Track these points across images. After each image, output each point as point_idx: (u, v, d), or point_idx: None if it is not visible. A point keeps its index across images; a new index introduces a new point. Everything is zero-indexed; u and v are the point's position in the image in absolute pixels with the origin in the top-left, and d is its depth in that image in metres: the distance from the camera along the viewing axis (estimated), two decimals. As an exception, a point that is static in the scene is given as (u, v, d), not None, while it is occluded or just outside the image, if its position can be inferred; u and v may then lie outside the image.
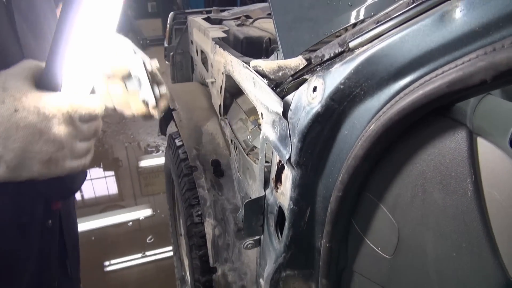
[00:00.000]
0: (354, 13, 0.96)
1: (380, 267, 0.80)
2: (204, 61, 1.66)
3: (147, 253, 2.80)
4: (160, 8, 6.44)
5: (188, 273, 2.12)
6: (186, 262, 2.17)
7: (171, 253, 2.71)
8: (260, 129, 1.24)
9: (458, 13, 0.48)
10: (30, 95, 0.58)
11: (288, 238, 0.94)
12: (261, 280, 1.15)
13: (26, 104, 0.57)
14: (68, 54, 0.62)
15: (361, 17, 0.93)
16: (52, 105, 0.59)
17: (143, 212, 3.19)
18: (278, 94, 0.85)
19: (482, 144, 0.55)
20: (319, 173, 0.83)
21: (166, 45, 2.33)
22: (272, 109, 0.86)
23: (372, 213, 0.78)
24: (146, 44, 6.06)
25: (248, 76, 1.01)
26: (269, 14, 1.91)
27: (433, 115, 0.60)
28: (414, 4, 0.56)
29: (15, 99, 0.57)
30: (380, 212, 0.75)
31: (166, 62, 2.40)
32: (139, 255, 2.77)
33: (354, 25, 0.89)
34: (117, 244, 2.84)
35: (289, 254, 0.97)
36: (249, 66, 0.99)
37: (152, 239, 2.87)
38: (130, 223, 3.06)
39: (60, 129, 0.60)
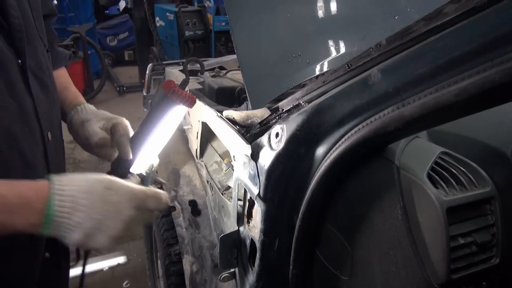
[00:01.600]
0: (311, 69, 1.14)
1: (340, 288, 0.92)
2: (182, 109, 1.81)
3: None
4: (137, 56, 6.64)
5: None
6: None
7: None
8: (233, 170, 1.37)
9: (376, 78, 0.64)
10: (120, 182, 0.74)
11: (260, 268, 1.04)
12: (236, 311, 1.23)
13: (115, 186, 0.72)
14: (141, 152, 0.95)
15: (317, 72, 1.10)
16: (132, 192, 0.74)
17: (118, 259, 3.17)
18: (247, 139, 0.98)
19: (405, 177, 0.70)
20: (284, 206, 0.95)
21: (145, 93, 2.47)
22: (243, 152, 0.99)
23: (331, 241, 0.90)
24: (122, 91, 6.19)
25: (222, 124, 1.14)
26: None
27: (370, 155, 0.74)
28: (348, 70, 0.72)
29: (110, 180, 0.72)
30: (337, 239, 0.87)
31: (145, 109, 2.53)
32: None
33: (311, 79, 1.05)
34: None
35: (261, 283, 1.07)
36: (222, 115, 1.13)
37: (129, 284, 2.85)
38: (106, 268, 3.04)
39: (131, 212, 0.72)
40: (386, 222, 0.72)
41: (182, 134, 1.98)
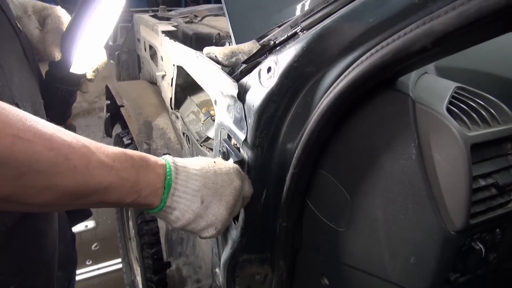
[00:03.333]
0: (302, 5, 1.01)
1: (334, 241, 0.84)
2: (153, 56, 1.64)
3: (94, 262, 2.67)
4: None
5: (138, 277, 2.06)
6: (135, 265, 2.10)
7: (119, 260, 2.60)
8: (213, 120, 1.25)
9: (400, -13, 0.53)
10: (223, 161, 0.79)
11: (244, 222, 0.95)
12: (217, 270, 1.15)
13: (221, 161, 0.77)
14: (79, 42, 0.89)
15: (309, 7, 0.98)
16: (237, 167, 0.79)
17: (86, 223, 3.03)
18: (233, 77, 0.86)
19: (422, 111, 0.60)
20: (274, 153, 0.85)
21: (110, 43, 2.26)
22: (227, 93, 0.88)
23: (325, 189, 0.82)
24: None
25: (201, 63, 1.01)
26: (220, 13, 1.93)
27: (379, 88, 0.65)
28: (360, -18, 0.60)
29: (214, 158, 0.77)
30: (334, 187, 0.79)
31: (111, 61, 2.33)
32: (85, 265, 2.63)
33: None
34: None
35: (245, 238, 0.99)
36: (202, 53, 1.00)
37: (98, 247, 2.74)
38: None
39: (240, 183, 0.76)
40: (396, 164, 0.64)
41: (153, 86, 1.82)
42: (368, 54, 0.59)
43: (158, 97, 1.68)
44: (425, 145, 0.60)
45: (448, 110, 0.60)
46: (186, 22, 1.77)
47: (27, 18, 0.92)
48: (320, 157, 0.79)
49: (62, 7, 0.98)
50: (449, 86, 0.66)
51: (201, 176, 0.69)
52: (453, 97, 0.64)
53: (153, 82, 1.86)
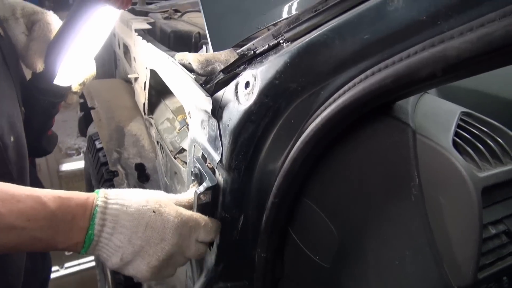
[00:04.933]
0: (288, 7, 0.91)
1: (319, 276, 0.75)
2: (127, 55, 1.52)
3: (66, 265, 2.54)
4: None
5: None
6: (110, 275, 1.99)
7: (93, 263, 2.48)
8: (188, 130, 1.14)
9: (400, 1, 0.43)
10: (171, 205, 0.68)
11: (220, 249, 0.85)
12: (191, 295, 1.05)
13: (164, 211, 0.66)
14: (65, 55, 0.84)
15: (296, 11, 0.88)
16: (181, 219, 0.67)
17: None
18: (207, 90, 0.76)
19: (425, 145, 0.51)
20: (252, 177, 0.75)
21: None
22: (200, 107, 0.77)
23: (310, 220, 0.72)
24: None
25: (174, 70, 0.90)
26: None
27: (374, 114, 0.55)
28: (355, -10, 0.50)
29: (159, 203, 0.66)
30: (318, 218, 0.69)
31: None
32: (57, 267, 2.51)
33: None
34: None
35: (220, 266, 0.89)
36: (175, 59, 0.89)
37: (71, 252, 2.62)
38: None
39: (176, 240, 0.66)
40: (392, 203, 0.54)
41: (128, 86, 1.70)
42: (362, 76, 0.50)
43: (133, 98, 1.56)
44: (428, 185, 0.51)
45: (454, 143, 0.51)
46: (165, 18, 1.65)
47: (15, 20, 0.85)
48: (304, 184, 0.69)
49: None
50: (453, 112, 0.57)
51: (129, 230, 0.62)
52: (458, 125, 0.55)
53: (129, 81, 1.74)
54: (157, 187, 1.29)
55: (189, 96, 0.84)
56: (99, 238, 0.60)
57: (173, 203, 0.70)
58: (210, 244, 0.88)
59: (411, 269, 0.54)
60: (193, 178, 0.81)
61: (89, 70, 0.98)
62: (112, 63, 2.10)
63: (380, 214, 0.56)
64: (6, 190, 0.54)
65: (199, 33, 1.43)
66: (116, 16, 0.88)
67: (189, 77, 0.79)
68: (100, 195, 0.63)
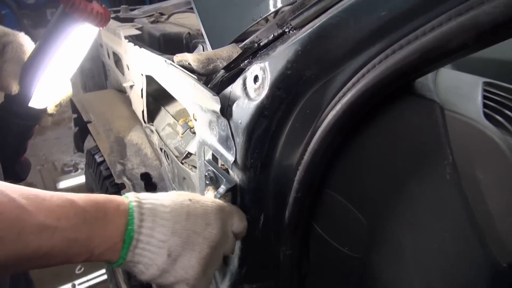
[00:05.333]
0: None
1: (350, 267, 0.73)
2: (118, 63, 1.48)
3: (78, 285, 2.51)
4: (61, 14, 5.88)
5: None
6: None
7: (104, 277, 2.45)
8: (193, 133, 1.11)
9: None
10: (202, 196, 0.66)
11: (242, 252, 0.83)
12: (214, 301, 1.03)
13: (199, 197, 0.63)
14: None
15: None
16: (219, 204, 0.65)
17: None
18: (213, 90, 0.73)
19: (455, 120, 0.49)
20: (270, 174, 0.73)
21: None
22: (207, 108, 0.74)
23: (335, 212, 0.70)
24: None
25: (173, 73, 0.87)
26: (188, 9, 1.77)
27: (396, 94, 0.53)
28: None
29: (192, 194, 0.63)
30: (345, 209, 0.67)
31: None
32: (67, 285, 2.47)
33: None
34: (41, 280, 2.51)
35: (244, 268, 0.87)
36: (173, 61, 0.85)
37: (82, 269, 2.58)
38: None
39: (220, 226, 0.62)
40: (425, 185, 0.52)
41: (122, 95, 1.67)
42: (382, 56, 0.47)
43: (129, 108, 1.52)
44: (462, 162, 0.48)
45: (485, 114, 0.49)
46: (152, 22, 1.61)
47: None
48: (326, 176, 0.67)
49: (31, 32, 0.88)
50: (475, 83, 0.55)
51: (171, 221, 0.57)
52: (484, 97, 0.53)
53: (122, 91, 1.70)
54: (165, 194, 1.26)
55: (193, 98, 0.81)
56: (139, 236, 0.54)
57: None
58: (232, 247, 0.85)
59: (453, 251, 0.52)
60: (207, 182, 0.78)
61: (65, 90, 0.94)
62: (102, 74, 2.05)
63: (413, 198, 0.54)
64: (27, 190, 0.49)
65: (189, 33, 1.39)
66: (94, 34, 0.85)
67: (192, 78, 0.76)
68: (130, 195, 0.58)
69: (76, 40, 0.81)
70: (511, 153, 0.45)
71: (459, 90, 0.54)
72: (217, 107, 0.70)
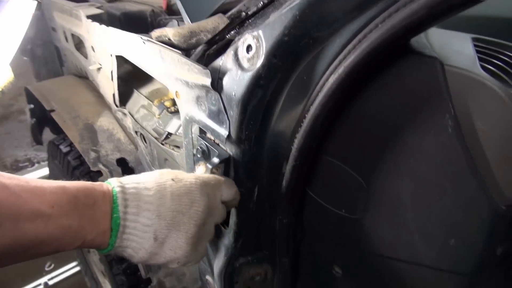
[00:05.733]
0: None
1: (347, 229, 0.76)
2: (79, 46, 1.40)
3: (49, 281, 2.42)
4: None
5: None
6: (103, 279, 1.92)
7: (76, 269, 2.37)
8: (171, 112, 1.08)
9: None
10: (185, 173, 0.64)
11: (237, 225, 0.83)
12: (207, 277, 1.03)
13: (182, 175, 0.62)
14: None
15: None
16: (202, 179, 0.63)
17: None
18: (201, 63, 0.71)
19: (456, 74, 0.51)
20: (264, 146, 0.73)
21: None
22: (196, 82, 0.72)
23: (331, 177, 0.72)
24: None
25: (152, 51, 0.84)
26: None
27: (396, 54, 0.54)
28: None
29: (174, 172, 0.62)
30: (342, 173, 0.69)
31: (24, 58, 2.00)
32: (38, 283, 2.38)
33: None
34: (7, 282, 2.39)
35: (240, 242, 0.87)
36: (151, 38, 0.82)
37: (52, 265, 2.48)
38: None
39: (206, 201, 0.61)
40: (427, 139, 0.54)
41: (83, 81, 1.58)
42: (386, 14, 0.48)
43: (93, 93, 1.45)
44: (464, 114, 0.51)
45: (482, 68, 0.51)
46: (109, 1, 1.52)
47: None
48: (323, 142, 0.68)
49: None
50: (465, 39, 0.58)
51: (155, 204, 0.56)
52: (476, 51, 0.55)
53: (83, 76, 1.61)
54: (144, 179, 1.23)
55: (177, 75, 0.78)
56: (125, 222, 0.54)
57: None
58: (225, 222, 0.85)
59: (454, 200, 0.55)
60: (199, 156, 0.77)
61: (6, 76, 0.90)
62: (56, 60, 1.93)
63: (414, 153, 0.56)
64: (15, 176, 0.48)
65: (153, 11, 1.33)
66: (31, 9, 0.79)
67: (176, 53, 0.74)
68: (112, 181, 0.57)
69: (10, 22, 0.75)
70: (510, 101, 0.48)
71: (452, 46, 0.56)
72: (207, 81, 0.68)
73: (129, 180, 0.58)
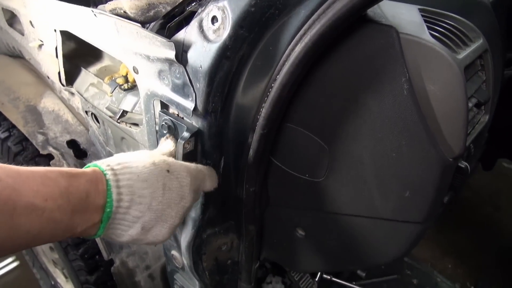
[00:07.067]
0: None
1: (310, 192, 0.81)
2: (12, 22, 1.29)
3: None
4: None
5: (60, 281, 1.82)
6: (53, 269, 1.85)
7: (15, 264, 2.24)
8: (124, 90, 1.05)
9: None
10: (178, 162, 0.65)
11: (205, 199, 0.85)
12: (174, 252, 1.05)
13: (174, 168, 0.62)
14: None
15: None
16: (192, 174, 0.65)
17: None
18: (163, 36, 0.70)
19: (409, 41, 0.56)
20: (230, 117, 0.75)
21: None
22: (158, 56, 0.71)
23: (295, 143, 0.76)
24: None
25: (105, 24, 0.81)
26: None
27: (357, 23, 0.58)
28: None
29: (168, 162, 0.62)
30: (305, 139, 0.73)
31: None
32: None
33: None
34: None
35: (207, 214, 0.89)
36: (104, 10, 0.79)
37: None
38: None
39: (192, 196, 0.65)
40: (385, 102, 0.60)
41: (17, 60, 1.47)
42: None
43: (32, 73, 1.36)
44: (417, 78, 0.56)
45: (431, 36, 0.57)
46: (41, -27, 1.41)
47: None
48: (288, 110, 0.71)
49: None
50: (413, 10, 0.63)
51: (148, 198, 0.58)
52: (425, 21, 0.61)
53: (16, 55, 1.49)
54: (97, 159, 1.19)
55: (135, 49, 0.77)
56: (116, 215, 0.55)
57: (175, 160, 0.67)
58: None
59: (409, 156, 0.62)
60: (165, 131, 0.77)
61: None
62: (-19, 39, 1.76)
63: (372, 115, 0.62)
64: (6, 166, 0.46)
65: (94, -17, 1.27)
66: None
67: (135, 26, 0.72)
68: (104, 167, 0.56)
69: None
70: (456, 64, 0.54)
71: (403, 16, 0.61)
72: (171, 53, 0.68)
73: (122, 166, 0.57)
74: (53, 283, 1.91)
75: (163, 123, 0.77)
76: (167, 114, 0.77)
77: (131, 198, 0.56)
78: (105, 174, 0.55)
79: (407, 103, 0.58)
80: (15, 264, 2.29)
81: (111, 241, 0.60)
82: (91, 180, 0.53)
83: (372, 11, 0.59)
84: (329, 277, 1.41)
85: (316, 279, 1.42)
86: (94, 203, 0.53)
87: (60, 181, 0.50)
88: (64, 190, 0.49)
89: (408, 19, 0.60)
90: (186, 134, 0.72)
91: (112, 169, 0.56)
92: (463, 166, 0.65)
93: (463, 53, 0.58)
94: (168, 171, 0.61)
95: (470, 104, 0.61)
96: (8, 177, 0.44)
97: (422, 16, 0.63)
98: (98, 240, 1.14)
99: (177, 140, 0.74)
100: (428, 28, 0.60)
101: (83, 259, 1.30)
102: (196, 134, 0.74)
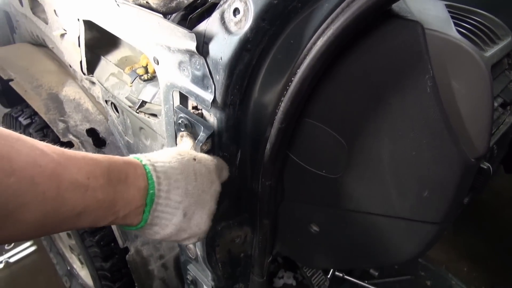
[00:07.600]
0: None
1: (326, 188, 0.80)
2: (36, 11, 1.31)
3: (9, 259, 2.34)
4: None
5: (76, 266, 1.86)
6: (69, 254, 1.89)
7: (33, 248, 2.30)
8: (144, 81, 1.06)
9: None
10: (198, 153, 0.66)
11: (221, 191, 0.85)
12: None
13: (199, 156, 0.64)
14: None
15: None
16: (215, 162, 0.67)
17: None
18: (185, 27, 0.70)
19: (435, 37, 0.55)
20: (248, 110, 0.74)
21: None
22: (179, 47, 0.72)
23: (313, 139, 0.75)
24: None
25: (128, 14, 0.81)
26: None
27: (382, 18, 0.57)
28: None
29: (191, 152, 0.64)
30: (324, 135, 0.72)
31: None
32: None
33: None
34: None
35: (221, 207, 0.90)
36: (127, 0, 0.79)
37: (12, 243, 2.39)
38: None
39: (218, 182, 0.66)
40: (407, 99, 0.59)
41: (40, 49, 1.50)
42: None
43: (54, 61, 1.38)
44: (441, 75, 0.55)
45: (459, 32, 0.56)
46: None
47: None
48: (306, 105, 0.71)
49: None
50: (440, 6, 0.61)
51: (183, 182, 0.58)
52: (452, 17, 0.59)
53: (39, 44, 1.52)
54: (115, 148, 1.20)
55: (156, 39, 0.77)
56: (158, 200, 0.55)
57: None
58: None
59: (430, 155, 0.60)
60: (182, 129, 0.78)
61: None
62: (6, 27, 1.80)
63: (394, 112, 0.61)
64: (49, 144, 0.46)
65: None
66: None
67: (157, 16, 0.72)
68: (140, 156, 0.57)
69: None
70: (483, 62, 0.52)
71: (429, 11, 0.59)
72: (192, 45, 0.68)
73: (154, 157, 0.58)
74: (69, 268, 1.95)
75: (180, 121, 0.77)
76: (183, 111, 0.77)
77: (169, 182, 0.56)
78: (140, 161, 0.55)
79: (430, 101, 0.57)
80: (32, 248, 2.35)
81: (150, 236, 0.59)
82: (130, 163, 0.53)
83: (397, 6, 0.58)
84: (341, 274, 1.40)
85: (328, 276, 1.42)
86: (134, 185, 0.52)
87: (101, 161, 0.50)
88: (105, 169, 0.49)
89: (434, 15, 0.59)
90: (202, 136, 0.72)
91: (148, 159, 0.56)
92: (485, 167, 0.63)
93: (491, 51, 0.57)
94: (194, 159, 0.62)
95: (495, 104, 0.60)
96: (54, 153, 0.44)
97: (449, 12, 0.62)
98: (114, 227, 1.15)
99: (194, 137, 0.75)
100: (455, 24, 0.58)
101: (98, 246, 1.33)
102: (212, 136, 0.74)
